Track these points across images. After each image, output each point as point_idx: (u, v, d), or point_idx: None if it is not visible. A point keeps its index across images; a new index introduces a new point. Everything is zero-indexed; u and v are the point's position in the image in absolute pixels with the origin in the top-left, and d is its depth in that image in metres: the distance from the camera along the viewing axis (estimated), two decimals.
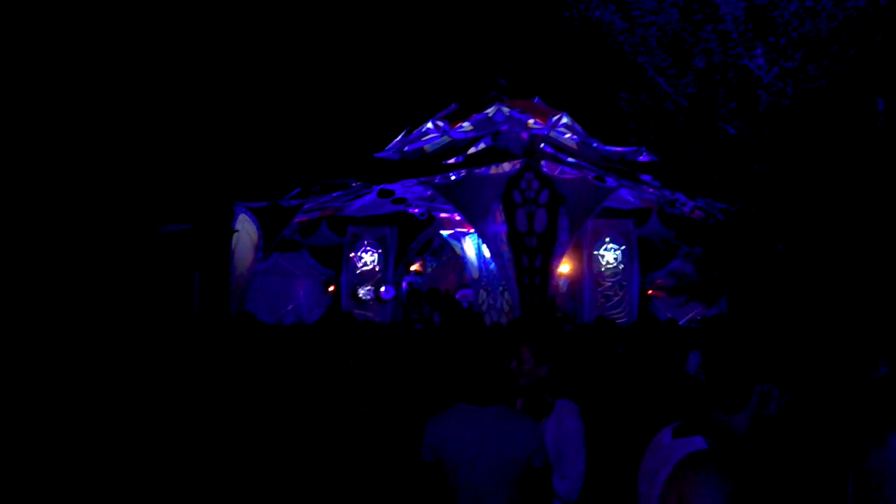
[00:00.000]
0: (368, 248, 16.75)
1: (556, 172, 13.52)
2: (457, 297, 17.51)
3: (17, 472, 4.21)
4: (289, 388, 4.95)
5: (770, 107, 6.59)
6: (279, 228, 13.51)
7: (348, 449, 3.44)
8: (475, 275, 16.00)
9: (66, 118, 11.72)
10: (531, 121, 14.26)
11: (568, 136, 14.71)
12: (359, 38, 21.83)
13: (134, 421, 4.94)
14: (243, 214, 13.03)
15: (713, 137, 6.97)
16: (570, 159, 13.50)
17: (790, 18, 6.29)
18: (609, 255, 14.90)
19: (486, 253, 14.49)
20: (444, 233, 16.56)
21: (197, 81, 13.84)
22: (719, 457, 1.58)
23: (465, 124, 14.49)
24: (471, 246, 15.90)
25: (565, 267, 13.88)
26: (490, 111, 14.25)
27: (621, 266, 14.78)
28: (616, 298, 14.78)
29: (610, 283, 14.83)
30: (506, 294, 14.31)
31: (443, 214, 15.73)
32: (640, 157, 13.13)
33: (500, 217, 12.69)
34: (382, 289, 16.27)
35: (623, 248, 14.87)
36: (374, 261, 16.69)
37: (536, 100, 15.16)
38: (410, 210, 15.45)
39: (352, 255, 16.65)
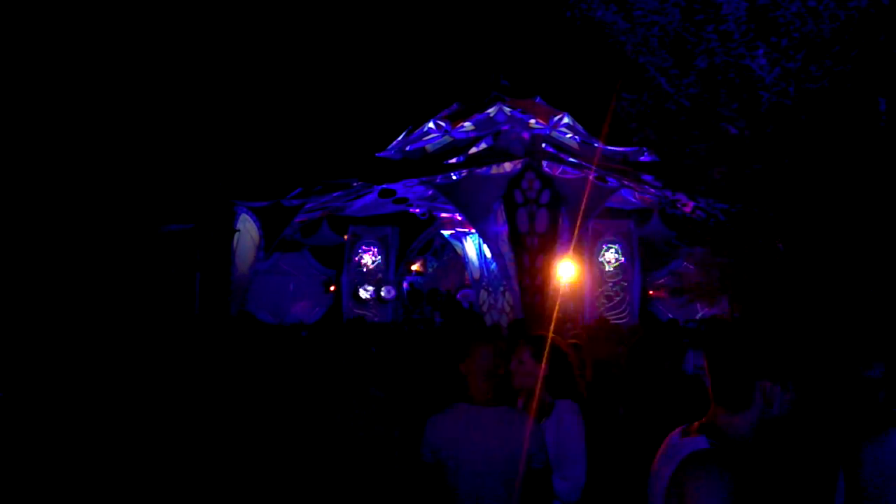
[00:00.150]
0: (369, 248, 16.74)
1: (557, 172, 13.51)
2: (458, 297, 17.51)
3: (19, 471, 4.21)
4: (290, 387, 4.95)
5: (772, 107, 6.57)
6: (280, 228, 13.50)
7: (348, 448, 3.44)
8: (476, 275, 16.00)
9: (70, 119, 11.73)
10: (532, 121, 14.26)
11: (569, 136, 14.71)
12: (360, 38, 21.85)
13: (135, 419, 4.94)
14: (244, 214, 13.03)
15: (715, 138, 6.96)
16: (571, 159, 13.49)
17: (792, 18, 6.27)
18: (610, 256, 14.89)
19: (487, 253, 14.49)
20: (446, 233, 16.56)
21: (199, 82, 13.86)
22: (721, 456, 1.59)
23: (467, 124, 14.49)
24: (472, 246, 15.89)
25: (566, 267, 13.86)
26: (491, 111, 14.25)
27: (622, 267, 14.78)
28: (617, 299, 14.77)
29: (611, 284, 14.82)
30: (507, 294, 14.31)
31: (444, 214, 15.73)
32: (642, 158, 13.12)
33: (501, 217, 12.68)
34: (383, 291, 16.27)
35: (624, 248, 14.86)
36: (375, 261, 16.69)
37: (538, 100, 15.14)
38: (412, 210, 15.45)
39: (353, 255, 16.66)
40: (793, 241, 6.59)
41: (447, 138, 14.64)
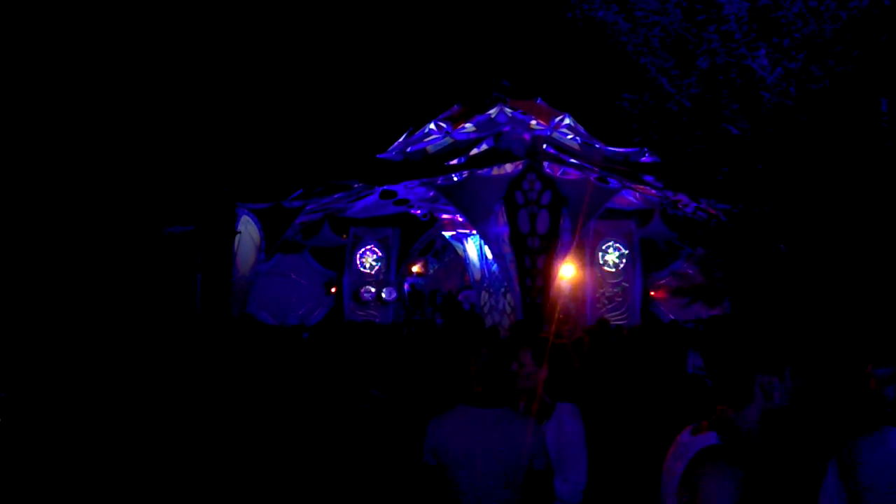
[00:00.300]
0: (371, 249, 16.74)
1: (558, 173, 13.50)
2: (459, 298, 17.50)
3: (20, 470, 4.21)
4: (291, 389, 4.94)
5: (773, 107, 6.56)
6: (281, 230, 13.51)
7: (350, 449, 3.43)
8: (477, 276, 15.98)
9: (72, 121, 11.74)
10: (534, 122, 14.24)
11: (570, 137, 14.69)
12: (361, 40, 21.86)
13: (137, 420, 4.94)
14: (246, 216, 13.03)
15: (716, 138, 6.95)
16: (572, 160, 13.48)
17: (794, 19, 6.26)
18: (611, 257, 14.87)
19: (489, 254, 14.47)
20: (447, 234, 16.55)
21: (200, 84, 13.86)
22: (731, 451, 1.65)
23: (468, 125, 14.47)
24: (473, 247, 15.88)
25: (567, 268, 13.85)
26: (493, 112, 14.23)
27: (623, 268, 14.76)
28: (618, 300, 14.74)
29: (612, 285, 14.80)
30: (508, 295, 14.30)
31: (445, 216, 15.72)
32: (643, 158, 13.12)
33: (502, 218, 12.67)
34: (384, 292, 16.26)
35: (625, 249, 14.84)
36: (376, 262, 16.69)
37: (539, 101, 15.13)
38: (413, 211, 15.44)
39: (354, 256, 16.65)
40: (795, 242, 6.58)
41: (448, 139, 14.63)
